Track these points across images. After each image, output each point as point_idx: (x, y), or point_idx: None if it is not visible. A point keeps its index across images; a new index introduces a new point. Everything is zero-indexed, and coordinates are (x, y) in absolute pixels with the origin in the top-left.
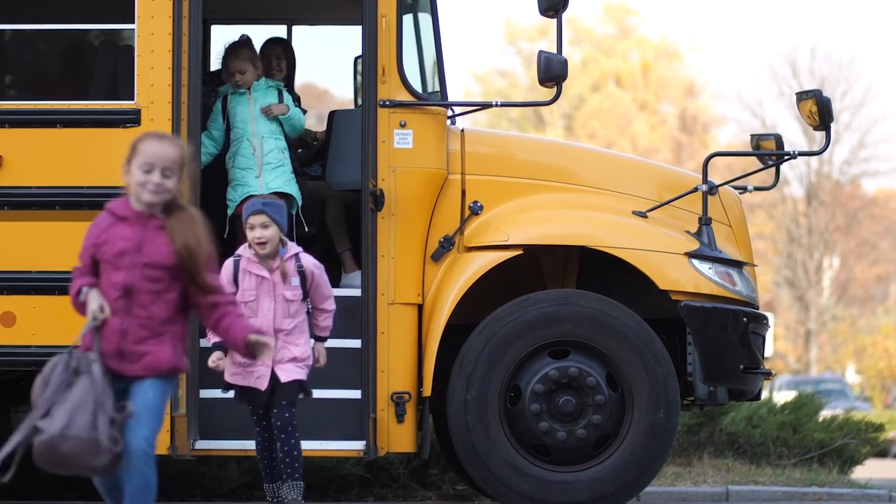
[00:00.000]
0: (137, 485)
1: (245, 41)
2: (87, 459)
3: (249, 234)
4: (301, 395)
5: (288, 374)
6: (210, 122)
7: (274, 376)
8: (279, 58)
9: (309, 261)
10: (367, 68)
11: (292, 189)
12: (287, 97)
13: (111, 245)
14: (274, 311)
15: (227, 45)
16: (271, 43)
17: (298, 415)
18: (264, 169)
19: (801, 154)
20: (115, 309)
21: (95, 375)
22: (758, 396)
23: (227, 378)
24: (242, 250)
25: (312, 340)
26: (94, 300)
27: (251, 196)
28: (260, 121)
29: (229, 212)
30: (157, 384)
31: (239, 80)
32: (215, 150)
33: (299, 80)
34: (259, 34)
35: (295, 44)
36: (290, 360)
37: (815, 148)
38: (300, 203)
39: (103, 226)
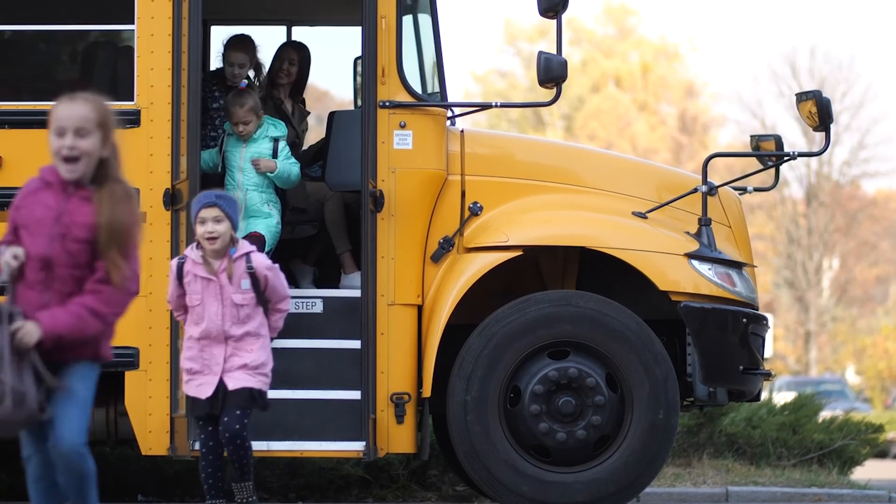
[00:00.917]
0: (74, 481)
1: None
2: (10, 413)
3: (199, 229)
4: (254, 405)
5: (236, 381)
6: (211, 152)
7: (222, 386)
8: (291, 63)
9: (261, 262)
10: (366, 69)
11: (263, 227)
12: (283, 148)
13: (29, 210)
14: (222, 315)
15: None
16: (287, 46)
17: (251, 423)
18: (246, 222)
19: (801, 155)
20: (34, 282)
21: (13, 326)
22: (757, 397)
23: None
24: (189, 251)
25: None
26: (7, 252)
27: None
28: (248, 172)
29: None
30: (81, 370)
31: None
32: (210, 170)
33: None
34: (259, 35)
35: None
36: (240, 367)
37: (815, 149)
38: (268, 248)
39: (28, 190)
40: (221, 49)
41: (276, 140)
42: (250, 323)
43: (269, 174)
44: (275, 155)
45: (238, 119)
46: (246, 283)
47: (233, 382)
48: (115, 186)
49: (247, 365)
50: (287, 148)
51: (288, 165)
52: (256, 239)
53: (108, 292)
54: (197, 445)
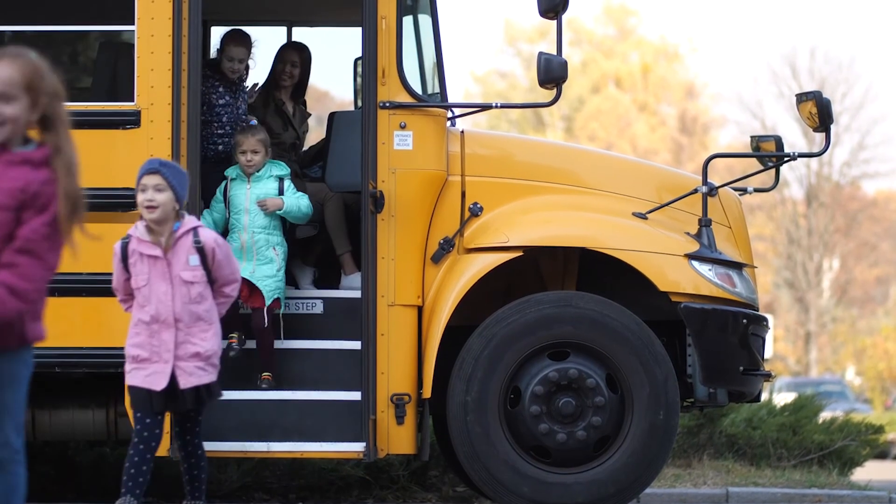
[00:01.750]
0: (4, 488)
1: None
2: None
3: (139, 197)
4: (209, 400)
5: (189, 378)
6: (212, 203)
7: (173, 379)
8: (293, 65)
9: (209, 235)
10: (366, 70)
11: (267, 286)
12: (289, 186)
13: None
14: (172, 296)
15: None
16: (288, 48)
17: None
18: (249, 259)
19: (801, 155)
20: None
21: None
22: (757, 398)
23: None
24: (132, 229)
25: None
26: None
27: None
28: (254, 214)
29: None
30: (10, 360)
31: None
32: (218, 220)
33: None
34: (259, 35)
35: None
36: (193, 356)
37: (815, 149)
38: (281, 307)
39: None
40: (218, 44)
41: (280, 179)
42: (203, 304)
43: (278, 212)
44: (281, 193)
45: (248, 147)
46: (194, 258)
47: (184, 378)
48: (70, 155)
49: (200, 354)
50: (292, 185)
51: (296, 200)
52: (259, 314)
53: (26, 265)
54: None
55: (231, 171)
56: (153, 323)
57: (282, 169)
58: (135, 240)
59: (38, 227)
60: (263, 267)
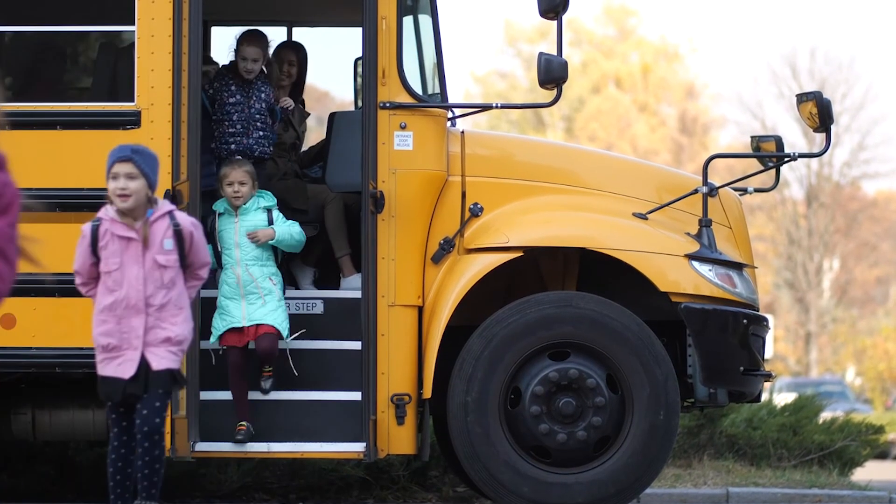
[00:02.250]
0: None
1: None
2: None
3: (111, 185)
4: (174, 386)
5: (160, 360)
6: None
7: (143, 363)
8: (291, 64)
9: (185, 219)
10: (367, 70)
11: (276, 319)
12: (278, 216)
13: None
14: (144, 280)
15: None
16: (284, 47)
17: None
18: (247, 300)
19: (802, 156)
20: None
21: None
22: (758, 398)
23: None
24: (102, 211)
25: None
26: None
27: (232, 327)
28: (245, 247)
29: (211, 339)
30: None
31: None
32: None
33: None
34: None
35: None
36: (164, 341)
37: (816, 150)
38: (287, 336)
39: None
40: (234, 44)
41: (268, 210)
42: (174, 290)
43: (271, 242)
44: (270, 224)
45: (234, 179)
46: (170, 242)
47: (157, 361)
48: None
49: (171, 339)
50: (281, 214)
51: (287, 228)
52: (270, 337)
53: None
54: (200, 446)
55: (219, 206)
56: (119, 308)
57: (269, 200)
58: (107, 221)
59: (4, 228)
60: (265, 304)
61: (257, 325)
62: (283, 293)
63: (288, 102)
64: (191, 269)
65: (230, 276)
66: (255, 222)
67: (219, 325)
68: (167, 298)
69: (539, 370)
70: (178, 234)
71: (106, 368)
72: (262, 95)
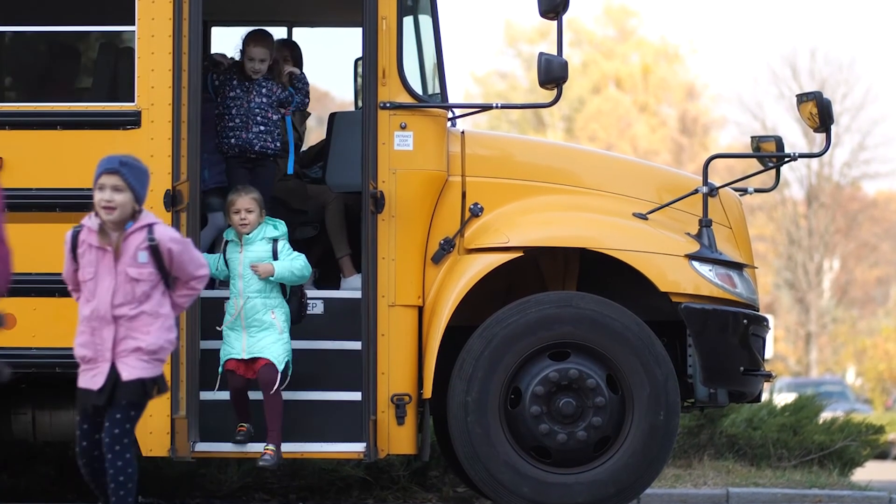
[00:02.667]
0: None
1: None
2: None
3: (97, 196)
4: (145, 399)
5: (130, 370)
6: (214, 256)
7: (114, 373)
8: (286, 60)
9: (165, 234)
10: (367, 70)
11: (273, 353)
12: (283, 247)
13: None
14: (113, 291)
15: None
16: (279, 45)
17: (136, 426)
18: (248, 332)
19: (802, 156)
20: None
21: None
22: (758, 398)
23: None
24: (86, 219)
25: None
26: None
27: (231, 357)
28: (248, 278)
29: (220, 370)
30: None
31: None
32: (216, 275)
33: None
34: None
35: None
36: (134, 350)
37: (816, 150)
38: (288, 369)
39: None
40: (240, 44)
41: (274, 241)
42: (147, 303)
43: (270, 278)
44: (275, 257)
45: (241, 206)
46: (143, 255)
47: (126, 371)
48: None
49: (141, 349)
50: (287, 246)
51: (289, 263)
52: (270, 368)
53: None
54: (200, 446)
55: (228, 233)
56: (93, 319)
57: (277, 230)
58: (85, 229)
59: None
60: (263, 336)
61: (256, 358)
62: (288, 326)
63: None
64: (180, 283)
65: (231, 307)
66: (259, 254)
67: (222, 353)
68: (138, 311)
69: (539, 370)
70: (155, 249)
71: (82, 380)
72: (264, 91)
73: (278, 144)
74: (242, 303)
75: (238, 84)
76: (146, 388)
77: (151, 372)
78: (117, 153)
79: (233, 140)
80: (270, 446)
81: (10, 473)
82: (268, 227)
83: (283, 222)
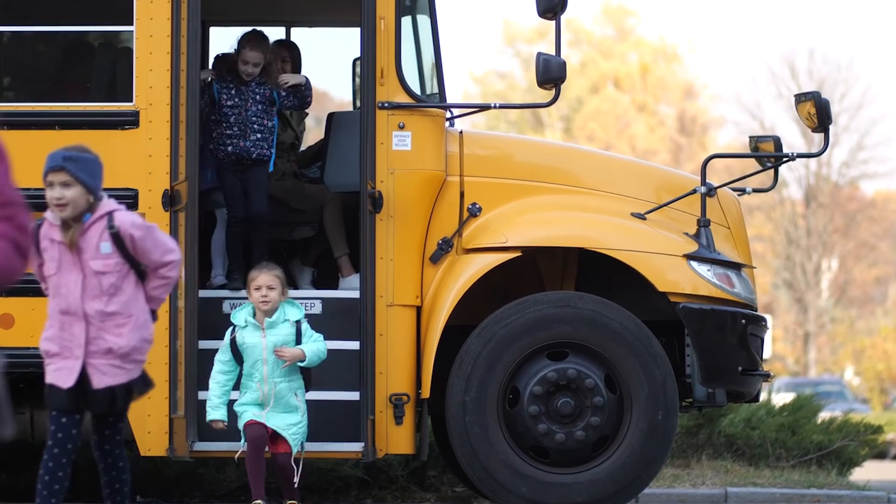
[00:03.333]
0: None
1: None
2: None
3: (48, 193)
4: (125, 404)
5: (102, 377)
6: (219, 354)
7: (84, 377)
8: (284, 61)
9: (126, 220)
10: (365, 70)
11: (294, 436)
12: (306, 330)
13: None
14: (82, 287)
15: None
16: (277, 46)
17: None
18: (273, 408)
19: (800, 156)
20: None
21: None
22: (756, 398)
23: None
24: (48, 213)
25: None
26: None
27: (252, 420)
28: (273, 363)
29: (241, 443)
30: None
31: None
32: (230, 383)
33: None
34: None
35: None
36: (106, 352)
37: (814, 150)
38: (295, 450)
39: None
40: (235, 45)
41: (297, 322)
42: (119, 297)
43: (300, 363)
44: (298, 340)
45: (262, 283)
46: (106, 246)
47: (97, 377)
48: None
49: (112, 351)
50: (309, 327)
51: (314, 346)
52: (287, 455)
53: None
54: (198, 446)
55: (237, 318)
56: (64, 315)
57: (297, 312)
58: (46, 223)
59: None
60: (288, 416)
61: (275, 433)
62: (306, 405)
63: (285, 80)
64: (150, 272)
65: (254, 391)
66: (282, 337)
67: (245, 416)
68: (110, 306)
69: (537, 370)
70: (116, 237)
71: (48, 375)
72: (258, 97)
73: (273, 150)
74: (268, 389)
75: (236, 93)
76: (115, 397)
77: (124, 377)
78: (115, 153)
79: (230, 148)
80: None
81: (9, 473)
82: (288, 308)
83: (300, 306)
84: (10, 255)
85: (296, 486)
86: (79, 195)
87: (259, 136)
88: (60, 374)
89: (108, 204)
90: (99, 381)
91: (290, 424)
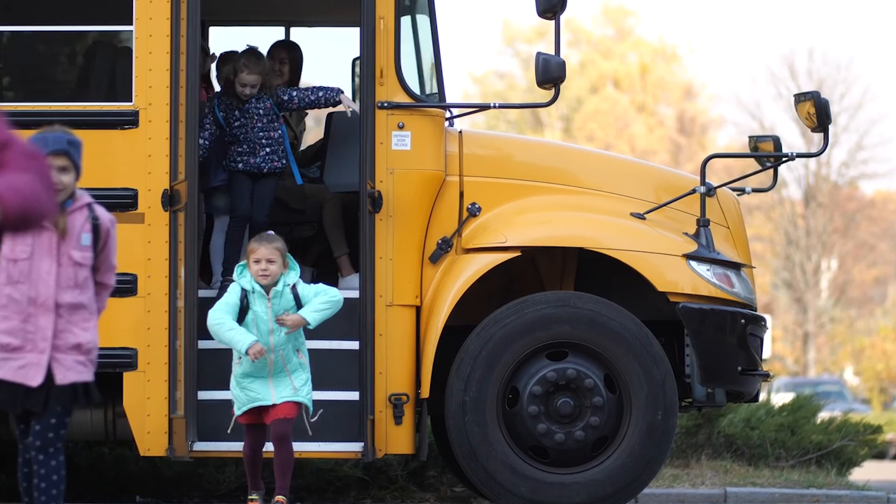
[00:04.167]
0: None
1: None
2: None
3: None
4: (75, 404)
5: (66, 372)
6: (221, 306)
7: (49, 371)
8: (282, 62)
9: (106, 215)
10: (365, 70)
11: (305, 396)
12: (304, 290)
13: None
14: (56, 276)
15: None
16: (278, 46)
17: (68, 429)
18: (276, 379)
19: (800, 156)
20: None
21: None
22: (756, 398)
23: None
24: None
25: None
26: None
27: (256, 405)
28: (279, 331)
29: (236, 412)
30: None
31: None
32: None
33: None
34: (257, 36)
35: None
36: (73, 347)
37: (814, 150)
38: (311, 412)
39: None
40: (231, 68)
41: (293, 286)
42: (87, 291)
43: (309, 327)
44: (297, 301)
45: (262, 256)
46: (87, 237)
47: (61, 373)
48: None
49: (80, 346)
50: (304, 285)
51: (316, 305)
52: (289, 420)
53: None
54: (198, 446)
55: (245, 282)
56: (30, 305)
57: (293, 275)
58: None
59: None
60: (294, 378)
61: (285, 402)
62: (307, 355)
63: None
64: (98, 274)
65: (262, 361)
66: (284, 304)
67: (242, 398)
68: (79, 299)
69: (537, 370)
70: (96, 230)
71: (3, 370)
72: (261, 111)
73: (284, 162)
74: (273, 357)
75: (240, 113)
76: (75, 395)
77: (86, 375)
78: (115, 153)
79: (241, 165)
80: (282, 497)
81: (9, 473)
82: (285, 274)
83: (295, 266)
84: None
85: (310, 430)
86: (72, 182)
87: (268, 149)
88: (27, 372)
89: (84, 195)
90: (63, 376)
91: (301, 386)
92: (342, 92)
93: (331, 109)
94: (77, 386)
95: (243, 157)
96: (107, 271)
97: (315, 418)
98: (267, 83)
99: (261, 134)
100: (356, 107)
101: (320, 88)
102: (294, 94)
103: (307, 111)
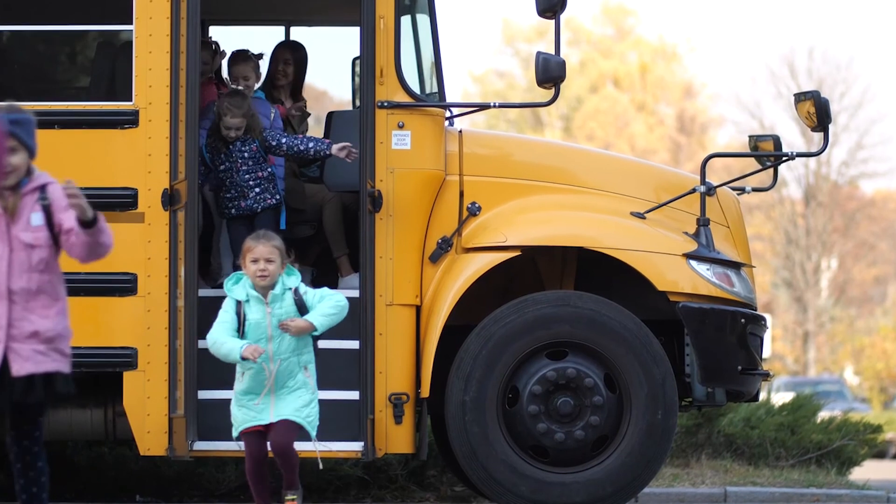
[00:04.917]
0: None
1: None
2: None
3: None
4: (45, 398)
5: (24, 363)
6: (222, 321)
7: (4, 362)
8: (287, 63)
9: (60, 193)
10: (365, 69)
11: (305, 417)
12: (305, 292)
13: None
14: (9, 262)
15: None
16: (281, 47)
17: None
18: (278, 395)
19: (800, 155)
20: None
21: None
22: (756, 398)
23: None
24: None
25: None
26: None
27: (251, 427)
28: (279, 339)
29: (234, 433)
30: None
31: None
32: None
33: None
34: (257, 35)
35: None
36: (30, 336)
37: (814, 149)
38: (313, 437)
39: None
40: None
41: (294, 290)
42: (46, 275)
43: (314, 334)
44: (300, 308)
45: (260, 255)
46: (37, 217)
47: (18, 363)
48: None
49: (39, 334)
50: (308, 289)
51: (323, 309)
52: (289, 432)
53: None
54: (198, 445)
55: (238, 293)
56: None
57: (294, 279)
58: None
59: None
60: (297, 397)
61: (283, 420)
62: (316, 378)
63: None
64: (65, 237)
65: (259, 371)
66: (286, 309)
67: (240, 419)
68: (36, 284)
69: (537, 369)
70: (47, 210)
71: None
72: (246, 154)
73: (278, 198)
74: (275, 367)
75: (225, 156)
76: (34, 386)
77: (48, 365)
78: (115, 152)
79: (233, 211)
80: (292, 495)
81: (8, 473)
82: (285, 276)
83: (295, 271)
84: None
85: (297, 466)
86: (23, 162)
87: (258, 190)
88: None
89: (42, 176)
90: (20, 367)
91: (301, 407)
92: (332, 144)
93: (331, 109)
94: (36, 378)
95: (234, 203)
96: (66, 232)
97: (319, 447)
98: (253, 125)
99: (247, 177)
100: (354, 151)
101: (311, 139)
102: (283, 140)
103: (309, 113)
